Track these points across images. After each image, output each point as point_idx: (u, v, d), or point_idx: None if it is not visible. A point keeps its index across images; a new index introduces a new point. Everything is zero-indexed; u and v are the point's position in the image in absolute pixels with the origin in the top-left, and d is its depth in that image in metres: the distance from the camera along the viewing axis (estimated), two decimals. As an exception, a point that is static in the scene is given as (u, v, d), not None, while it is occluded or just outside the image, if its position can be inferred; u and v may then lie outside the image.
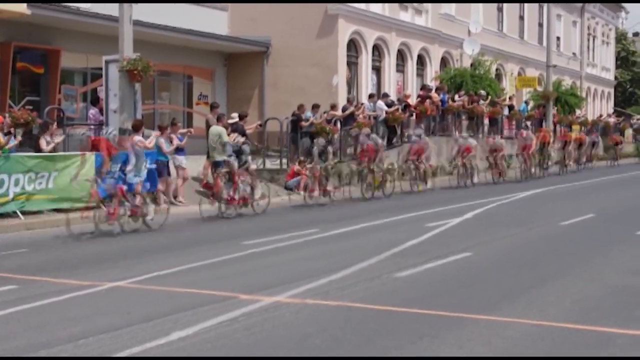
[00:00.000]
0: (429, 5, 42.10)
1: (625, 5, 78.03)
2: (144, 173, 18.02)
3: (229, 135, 22.78)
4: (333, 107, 30.39)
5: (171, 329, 8.89)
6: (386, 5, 38.61)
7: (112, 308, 10.14)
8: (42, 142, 20.41)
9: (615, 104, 74.52)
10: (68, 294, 10.91)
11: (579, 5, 63.12)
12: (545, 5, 50.80)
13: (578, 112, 52.41)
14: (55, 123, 21.88)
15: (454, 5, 45.18)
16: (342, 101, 33.05)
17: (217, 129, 23.02)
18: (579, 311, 9.74)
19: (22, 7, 23.39)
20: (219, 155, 22.94)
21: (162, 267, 12.83)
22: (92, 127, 24.49)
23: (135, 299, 10.65)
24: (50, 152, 20.28)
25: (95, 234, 16.78)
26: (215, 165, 23.19)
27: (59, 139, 21.12)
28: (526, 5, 54.66)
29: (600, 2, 64.65)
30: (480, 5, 48.22)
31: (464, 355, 8.00)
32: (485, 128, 39.93)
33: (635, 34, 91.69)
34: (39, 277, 12.18)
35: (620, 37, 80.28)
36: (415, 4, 40.98)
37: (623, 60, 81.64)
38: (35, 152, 20.19)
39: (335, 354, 8.07)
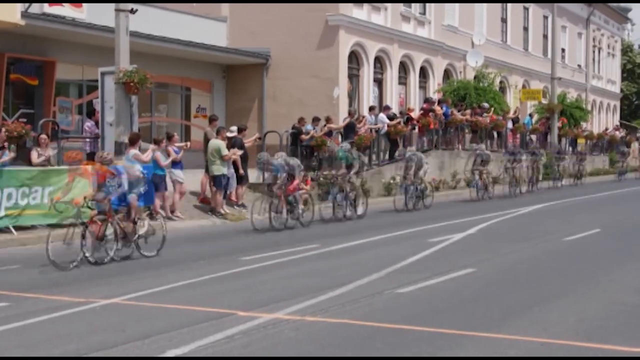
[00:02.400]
0: (432, 17, 42.13)
1: (631, 17, 78.16)
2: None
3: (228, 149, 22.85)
4: (328, 120, 30.22)
5: (166, 347, 8.86)
6: (388, 16, 38.64)
7: (107, 325, 10.10)
8: (34, 155, 20.36)
9: (621, 117, 74.55)
10: (62, 311, 10.87)
11: (584, 16, 63.22)
12: (549, 17, 50.85)
13: (584, 125, 52.46)
14: (46, 135, 21.72)
15: (457, 16, 45.23)
16: (342, 114, 33.03)
17: (216, 142, 23.05)
18: (583, 330, 9.70)
19: (16, 18, 23.36)
20: (220, 168, 22.97)
21: (158, 284, 12.80)
22: (88, 140, 24.47)
23: (130, 316, 10.60)
24: (41, 165, 20.17)
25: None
26: (214, 179, 23.21)
27: (50, 152, 21.03)
28: (530, 16, 54.74)
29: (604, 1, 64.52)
30: (484, 16, 48.29)
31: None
32: (494, 141, 40.06)
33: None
34: (32, 294, 12.15)
35: (626, 49, 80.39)
36: (418, 15, 41.02)
37: (629, 72, 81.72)
38: (28, 165, 20.13)
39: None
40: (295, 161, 22.41)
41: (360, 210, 24.22)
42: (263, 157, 22.09)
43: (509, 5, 51.56)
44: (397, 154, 30.61)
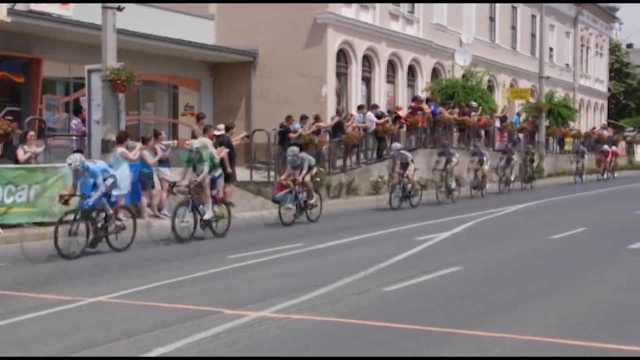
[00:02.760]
0: (420, 16, 42.20)
1: (619, 16, 78.38)
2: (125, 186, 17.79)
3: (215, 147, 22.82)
4: (317, 118, 30.30)
5: (152, 345, 8.87)
6: (377, 14, 38.69)
7: (93, 324, 10.10)
8: (20, 152, 20.33)
9: (609, 116, 74.78)
10: (48, 309, 10.86)
11: (573, 15, 63.37)
12: (538, 16, 50.97)
13: (571, 124, 52.60)
14: (33, 133, 21.74)
15: (445, 15, 45.29)
16: (330, 112, 33.07)
17: (203, 140, 23.03)
18: (567, 327, 9.76)
19: (2, 15, 23.28)
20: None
21: (144, 282, 12.80)
22: (74, 137, 24.45)
23: (116, 315, 10.60)
24: (27, 162, 20.14)
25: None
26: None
27: (36, 149, 21.00)
28: (518, 15, 54.84)
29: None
30: (473, 15, 48.37)
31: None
32: (482, 140, 40.19)
33: (629, 46, 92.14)
34: (18, 292, 12.13)
35: (614, 49, 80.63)
36: (406, 14, 41.07)
37: (617, 71, 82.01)
38: (14, 163, 20.10)
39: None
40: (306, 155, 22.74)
41: (315, 214, 23.06)
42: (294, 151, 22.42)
43: (498, 4, 51.66)
44: (384, 152, 30.69)
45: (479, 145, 37.65)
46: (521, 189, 35.12)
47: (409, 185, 27.04)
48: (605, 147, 48.20)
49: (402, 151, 27.64)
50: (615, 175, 48.04)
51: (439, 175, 29.83)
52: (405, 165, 26.91)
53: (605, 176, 46.53)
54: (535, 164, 38.41)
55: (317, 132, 29.62)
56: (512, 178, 34.92)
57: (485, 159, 32.03)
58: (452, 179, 29.62)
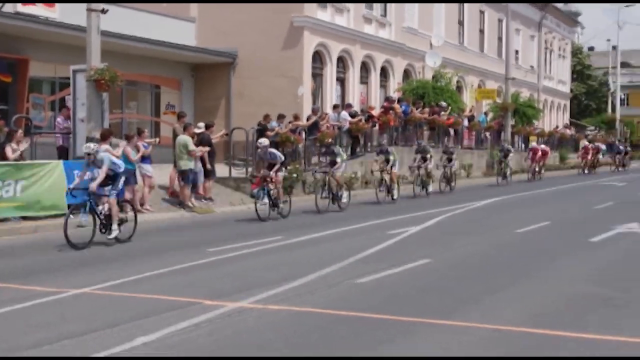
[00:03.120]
0: (392, 19, 42.26)
1: (581, 20, 78.83)
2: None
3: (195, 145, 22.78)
4: (296, 117, 30.39)
5: (135, 334, 8.83)
6: (351, 18, 38.72)
7: (77, 314, 10.06)
8: (8, 150, 20.18)
9: (571, 116, 75.18)
10: (34, 300, 10.79)
11: (537, 20, 63.65)
12: (504, 20, 51.12)
13: (535, 123, 52.82)
14: (21, 131, 21.65)
15: (416, 19, 45.39)
16: (306, 112, 33.06)
17: (183, 138, 22.99)
18: (532, 316, 9.80)
19: (-11, 17, 23.21)
20: (187, 163, 22.91)
21: (127, 274, 12.74)
22: (59, 135, 24.32)
23: (100, 305, 10.55)
24: (16, 160, 20.03)
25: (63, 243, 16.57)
26: (182, 173, 23.14)
27: (24, 146, 20.89)
28: (486, 19, 55.05)
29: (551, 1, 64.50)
30: (442, 19, 48.50)
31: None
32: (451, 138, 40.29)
33: (591, 49, 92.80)
34: (5, 284, 12.04)
35: (576, 52, 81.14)
36: (379, 17, 41.13)
37: (579, 73, 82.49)
38: (1, 160, 19.96)
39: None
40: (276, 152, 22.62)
41: (285, 209, 22.48)
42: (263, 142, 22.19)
43: (466, 9, 51.88)
44: (359, 150, 30.66)
45: (447, 143, 37.66)
46: (440, 192, 31.23)
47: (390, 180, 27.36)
48: (534, 144, 43.45)
49: (389, 148, 27.86)
50: (542, 176, 41.84)
51: (416, 172, 29.98)
52: (388, 162, 27.09)
53: (532, 176, 40.63)
54: (454, 165, 32.90)
55: (295, 130, 29.63)
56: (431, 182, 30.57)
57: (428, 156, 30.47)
58: (427, 176, 29.79)
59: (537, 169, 41.10)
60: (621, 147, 54.95)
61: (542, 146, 43.38)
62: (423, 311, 9.99)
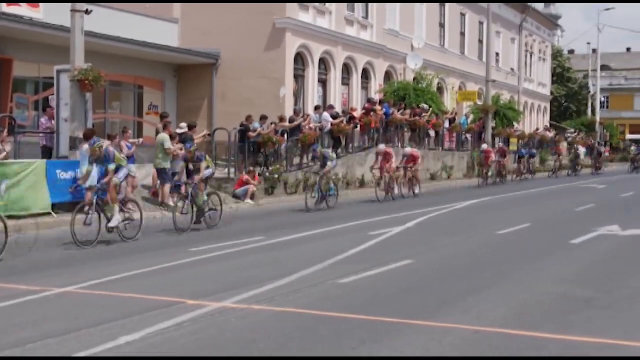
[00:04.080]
0: (374, 21, 42.32)
1: (561, 24, 79.12)
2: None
3: (174, 143, 22.71)
4: (282, 119, 30.43)
5: (118, 333, 8.81)
6: (333, 20, 38.76)
7: (61, 313, 10.02)
8: (-6, 151, 20.17)
9: (552, 118, 75.47)
10: (16, 299, 10.75)
11: (518, 23, 63.91)
12: (485, 23, 51.29)
13: (516, 125, 53.00)
14: (6, 130, 21.60)
15: (398, 21, 45.46)
16: (289, 112, 33.06)
17: (161, 136, 22.96)
18: (514, 317, 9.82)
19: (-25, 17, 23.12)
20: (162, 162, 22.84)
21: (110, 273, 12.70)
22: (42, 134, 24.23)
23: (83, 305, 10.52)
24: (0, 159, 19.97)
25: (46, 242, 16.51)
26: (159, 172, 23.06)
27: (8, 146, 20.83)
28: (467, 22, 55.20)
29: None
30: (424, 21, 48.59)
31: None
32: (431, 140, 40.43)
33: (571, 52, 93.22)
34: (-12, 283, 12.02)
35: (557, 54, 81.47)
36: (361, 19, 41.17)
37: (559, 76, 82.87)
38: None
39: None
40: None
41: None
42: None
43: (447, 11, 52.02)
44: (340, 151, 30.63)
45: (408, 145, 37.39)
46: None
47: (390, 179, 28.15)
48: (485, 146, 39.56)
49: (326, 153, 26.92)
50: (499, 180, 39.04)
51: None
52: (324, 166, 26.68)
53: (485, 182, 37.48)
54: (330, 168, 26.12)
55: (282, 132, 29.71)
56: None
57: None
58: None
59: (489, 173, 38.21)
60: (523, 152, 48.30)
61: (500, 145, 43.53)
62: (405, 312, 9.99)
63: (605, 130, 77.64)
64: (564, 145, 58.50)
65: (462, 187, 35.64)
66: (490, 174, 38.23)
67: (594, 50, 78.78)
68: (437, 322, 9.46)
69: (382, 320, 9.51)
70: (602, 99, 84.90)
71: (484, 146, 39.76)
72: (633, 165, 54.50)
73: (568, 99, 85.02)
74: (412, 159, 30.12)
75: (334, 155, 26.77)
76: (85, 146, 18.22)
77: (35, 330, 9.09)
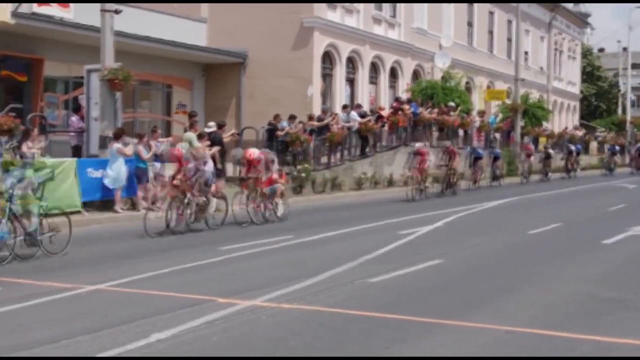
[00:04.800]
0: (401, 20, 42.28)
1: (590, 22, 78.68)
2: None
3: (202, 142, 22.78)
4: (311, 118, 30.50)
5: (150, 331, 8.88)
6: (360, 19, 38.76)
7: (93, 310, 10.11)
8: (24, 148, 20.31)
9: (581, 117, 75.01)
10: (50, 296, 10.87)
11: (547, 21, 63.56)
12: (514, 21, 51.13)
13: (545, 124, 52.74)
14: (37, 129, 21.80)
15: (426, 19, 45.39)
16: (316, 111, 33.10)
17: (187, 134, 23.01)
18: (545, 318, 9.80)
19: (6, 17, 23.32)
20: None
21: (141, 271, 12.81)
22: (73, 134, 24.44)
23: (115, 302, 10.62)
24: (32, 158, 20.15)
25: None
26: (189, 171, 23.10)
27: (40, 144, 21.01)
28: (495, 20, 54.99)
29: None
30: (452, 20, 48.48)
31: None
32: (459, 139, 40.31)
33: (601, 50, 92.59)
34: (22, 280, 12.14)
35: (586, 53, 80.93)
36: (388, 18, 41.16)
37: (588, 74, 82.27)
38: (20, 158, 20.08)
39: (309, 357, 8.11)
40: (271, 155, 22.34)
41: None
42: (238, 153, 22.06)
43: (475, 10, 51.83)
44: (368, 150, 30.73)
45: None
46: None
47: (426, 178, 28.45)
48: (419, 145, 30.95)
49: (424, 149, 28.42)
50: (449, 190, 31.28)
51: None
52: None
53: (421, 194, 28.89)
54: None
55: (310, 131, 29.77)
56: None
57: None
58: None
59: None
60: (572, 147, 47.23)
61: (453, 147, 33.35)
62: (435, 311, 10.00)
63: (635, 129, 77.05)
64: (594, 145, 58.11)
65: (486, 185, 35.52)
66: (427, 182, 29.57)
67: (625, 49, 78.22)
68: (467, 322, 9.46)
69: (411, 320, 9.52)
70: (633, 98, 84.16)
71: (418, 145, 30.88)
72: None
73: (598, 98, 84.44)
74: (421, 155, 28.65)
75: None
76: (116, 145, 18.36)
77: (68, 327, 9.19)
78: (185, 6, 35.34)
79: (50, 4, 26.54)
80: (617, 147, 54.03)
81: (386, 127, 34.79)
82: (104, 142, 21.68)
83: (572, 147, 45.83)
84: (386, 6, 41.24)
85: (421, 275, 12.76)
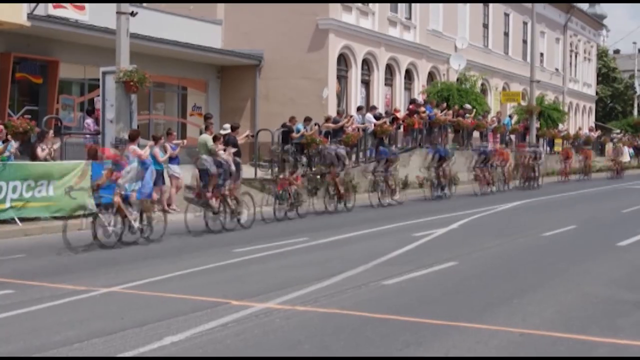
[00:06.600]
0: (417, 22, 42.21)
1: (606, 23, 78.37)
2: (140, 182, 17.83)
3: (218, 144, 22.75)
4: (327, 119, 30.47)
5: (164, 333, 8.85)
6: (376, 21, 38.72)
7: (106, 313, 10.08)
8: (38, 150, 20.35)
9: (596, 119, 74.74)
10: (63, 298, 10.85)
11: (562, 23, 63.38)
12: (529, 23, 50.95)
13: (561, 126, 52.55)
14: (52, 131, 21.83)
15: (441, 21, 45.33)
16: (331, 113, 33.06)
17: (203, 137, 23.00)
18: (560, 320, 9.72)
19: (22, 19, 23.36)
20: (201, 163, 22.83)
21: (155, 273, 12.78)
22: (88, 136, 24.46)
23: (128, 304, 10.59)
24: (45, 159, 20.19)
25: (91, 242, 16.60)
26: (202, 173, 23.09)
27: (55, 146, 21.06)
28: (511, 22, 54.86)
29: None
30: (467, 22, 48.39)
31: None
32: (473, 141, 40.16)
33: (616, 51, 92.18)
34: (36, 282, 12.14)
35: (602, 54, 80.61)
36: (404, 20, 41.08)
37: (604, 76, 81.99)
38: (32, 160, 20.12)
39: (324, 360, 8.06)
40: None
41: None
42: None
43: (491, 11, 51.74)
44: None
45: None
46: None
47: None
48: (429, 146, 31.63)
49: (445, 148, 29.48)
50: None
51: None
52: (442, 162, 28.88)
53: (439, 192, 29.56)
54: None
55: (325, 133, 29.72)
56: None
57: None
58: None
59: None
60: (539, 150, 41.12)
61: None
62: (451, 313, 9.94)
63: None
64: (609, 147, 57.82)
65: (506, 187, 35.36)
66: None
67: (640, 50, 77.95)
68: (482, 324, 9.39)
69: (427, 322, 9.46)
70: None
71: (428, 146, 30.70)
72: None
73: (613, 99, 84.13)
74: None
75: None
76: (131, 147, 18.32)
77: (82, 329, 9.16)
78: (201, 8, 35.38)
79: (64, 4, 26.57)
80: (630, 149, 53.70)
81: (401, 129, 34.70)
82: (119, 144, 21.66)
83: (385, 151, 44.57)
84: (401, 8, 41.17)
85: (436, 277, 12.69)
